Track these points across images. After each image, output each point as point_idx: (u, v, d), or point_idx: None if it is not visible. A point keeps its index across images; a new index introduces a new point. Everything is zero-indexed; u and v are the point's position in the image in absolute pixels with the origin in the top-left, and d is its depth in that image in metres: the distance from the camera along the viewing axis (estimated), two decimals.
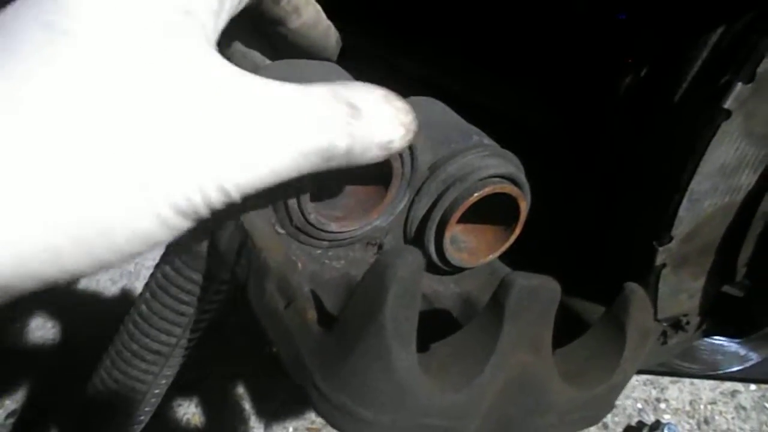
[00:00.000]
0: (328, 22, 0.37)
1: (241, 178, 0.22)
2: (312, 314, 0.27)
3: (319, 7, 0.36)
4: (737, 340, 0.76)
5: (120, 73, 0.21)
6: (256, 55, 0.38)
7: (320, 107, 0.24)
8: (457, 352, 0.29)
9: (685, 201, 0.34)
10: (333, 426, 0.27)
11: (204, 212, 0.22)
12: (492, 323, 0.29)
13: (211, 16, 0.24)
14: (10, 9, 0.22)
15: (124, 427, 0.40)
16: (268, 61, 0.38)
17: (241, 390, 1.06)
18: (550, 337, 0.31)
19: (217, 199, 0.22)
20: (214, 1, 0.25)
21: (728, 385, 1.20)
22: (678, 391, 1.18)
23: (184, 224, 0.22)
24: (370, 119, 0.25)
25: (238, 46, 0.38)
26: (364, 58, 0.41)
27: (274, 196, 0.32)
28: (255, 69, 0.38)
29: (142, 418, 0.41)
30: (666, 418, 1.14)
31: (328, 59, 0.38)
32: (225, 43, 0.38)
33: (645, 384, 1.18)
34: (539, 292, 0.30)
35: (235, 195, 0.23)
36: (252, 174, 0.23)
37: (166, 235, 0.22)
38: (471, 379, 0.28)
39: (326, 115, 0.24)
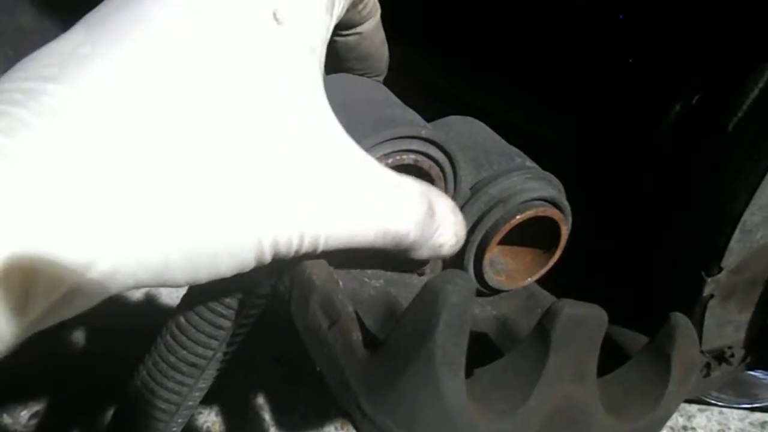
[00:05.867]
0: (384, 36, 0.38)
1: (333, 236, 0.24)
2: (357, 335, 0.27)
3: (380, 20, 0.36)
4: None
5: (251, 113, 0.22)
6: None
7: (412, 201, 0.27)
8: (502, 379, 0.29)
9: (737, 232, 0.33)
10: None
11: (291, 255, 0.24)
12: (537, 351, 0.28)
13: (322, 45, 0.26)
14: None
15: None
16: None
17: (261, 401, 1.06)
18: (595, 367, 0.31)
19: (307, 248, 0.24)
20: (325, 29, 0.26)
21: (758, 416, 1.16)
22: (706, 420, 1.15)
23: (271, 260, 0.24)
24: (439, 223, 0.28)
25: None
26: (400, 76, 0.41)
27: None
28: None
29: (174, 429, 0.41)
30: None
31: (378, 74, 0.39)
32: None
33: None
34: (586, 321, 0.29)
35: (321, 249, 0.25)
36: (342, 237, 0.25)
37: (254, 266, 0.23)
38: (516, 408, 0.27)
39: (415, 209, 0.27)
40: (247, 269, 0.23)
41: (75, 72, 0.20)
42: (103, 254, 0.19)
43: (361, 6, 0.33)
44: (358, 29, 0.35)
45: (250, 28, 0.23)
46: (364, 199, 0.25)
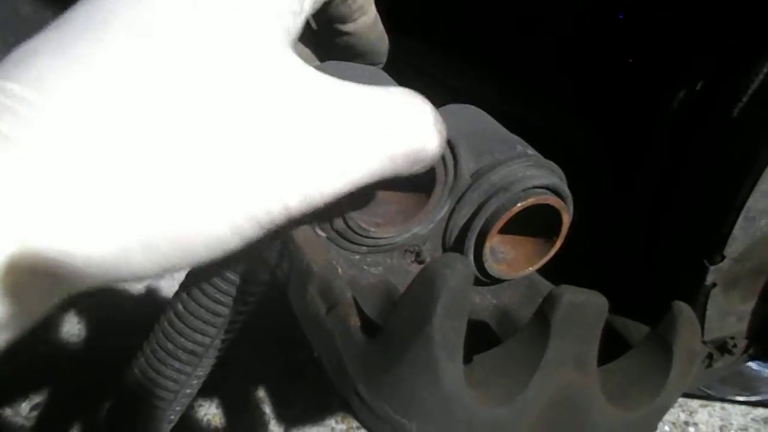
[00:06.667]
0: (382, 26, 0.37)
1: (328, 185, 0.21)
2: (355, 320, 0.27)
3: (376, 11, 0.36)
4: None
5: (205, 73, 0.20)
6: (308, 55, 0.38)
7: (411, 107, 0.24)
8: (501, 365, 0.28)
9: (740, 219, 0.33)
10: None
11: (282, 220, 0.21)
12: (537, 338, 0.28)
13: (292, 17, 0.24)
14: None
15: (155, 426, 0.40)
16: (317, 63, 0.38)
17: (261, 394, 1.06)
18: (596, 355, 0.30)
19: (299, 208, 0.21)
20: (297, 3, 0.24)
21: (760, 412, 1.16)
22: (708, 415, 1.15)
23: (259, 233, 0.21)
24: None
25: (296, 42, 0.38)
26: (397, 65, 0.41)
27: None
28: None
29: (172, 417, 0.41)
30: None
31: (378, 62, 0.38)
32: None
33: (673, 406, 1.15)
34: (586, 308, 0.29)
35: (320, 202, 0.22)
36: (340, 180, 0.22)
37: (240, 244, 0.21)
38: (515, 395, 0.27)
39: (424, 113, 0.24)
40: (231, 247, 0.21)
41: (51, 77, 0.19)
42: (80, 244, 0.19)
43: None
44: (352, 28, 0.34)
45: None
46: (349, 130, 0.22)
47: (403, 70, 0.42)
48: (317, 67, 0.37)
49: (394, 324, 0.25)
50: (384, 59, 0.39)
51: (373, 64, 0.38)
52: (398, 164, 0.23)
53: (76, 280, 0.20)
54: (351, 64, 0.37)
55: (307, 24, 0.35)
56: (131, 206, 0.19)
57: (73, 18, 0.22)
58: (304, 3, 0.25)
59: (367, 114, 0.22)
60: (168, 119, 0.20)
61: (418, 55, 0.66)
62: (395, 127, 0.23)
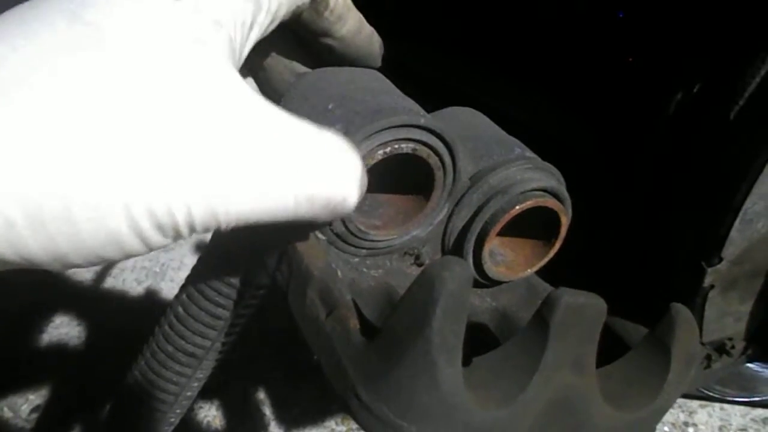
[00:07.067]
0: (371, 29, 0.37)
1: (235, 205, 0.21)
2: (354, 323, 0.27)
3: (360, 15, 0.36)
4: None
5: (134, 72, 0.20)
6: (299, 67, 0.38)
7: (348, 158, 0.24)
8: (500, 368, 0.28)
9: (737, 221, 0.33)
10: None
11: (185, 232, 0.21)
12: (536, 340, 0.28)
13: (240, 29, 0.24)
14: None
15: (155, 428, 0.40)
16: (306, 70, 0.38)
17: (262, 395, 1.06)
18: (595, 357, 0.31)
19: (202, 222, 0.21)
20: (246, 14, 0.24)
21: (760, 412, 1.16)
22: (707, 416, 1.15)
23: (162, 240, 0.21)
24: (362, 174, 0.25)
25: (280, 58, 0.38)
26: (394, 68, 0.41)
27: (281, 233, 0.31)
28: (296, 77, 0.38)
29: (172, 420, 0.41)
30: None
31: (371, 66, 0.38)
32: (267, 54, 0.38)
33: (673, 407, 1.15)
34: (585, 310, 0.29)
35: (224, 223, 0.21)
36: (249, 204, 0.21)
37: (141, 247, 0.21)
38: (514, 397, 0.27)
39: (353, 166, 0.24)
40: (132, 249, 0.21)
41: None
42: None
43: (326, 11, 0.32)
44: (334, 34, 0.34)
45: (144, 6, 0.21)
46: (266, 159, 0.21)
47: (400, 72, 0.42)
48: (303, 74, 0.37)
49: (393, 326, 0.25)
50: (378, 61, 0.39)
51: (368, 67, 0.38)
52: (316, 209, 0.23)
53: None
54: (353, 69, 0.37)
55: (301, 36, 0.35)
56: (13, 160, 0.18)
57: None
58: (257, 16, 0.25)
59: (293, 149, 0.22)
60: (81, 101, 0.19)
61: (416, 57, 0.66)
62: (319, 171, 0.23)
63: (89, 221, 0.19)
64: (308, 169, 0.22)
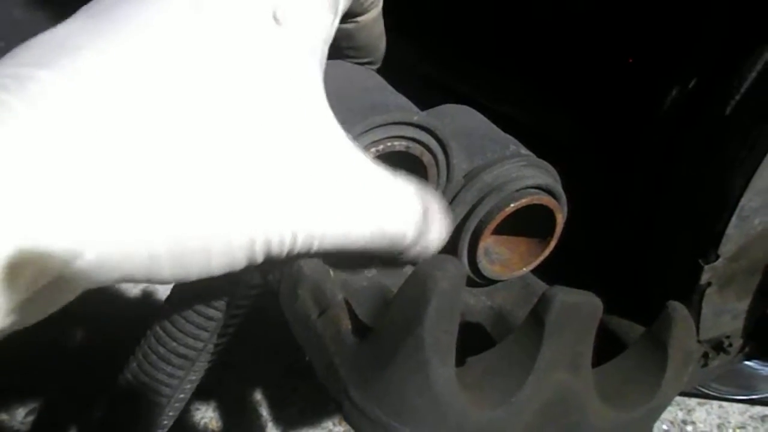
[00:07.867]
0: (383, 27, 0.37)
1: (327, 236, 0.24)
2: (346, 323, 0.27)
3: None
4: None
5: (256, 114, 0.22)
6: None
7: (409, 201, 0.27)
8: (495, 367, 0.28)
9: (734, 218, 0.33)
10: None
11: (283, 255, 0.23)
12: (531, 339, 0.28)
13: (323, 45, 0.26)
14: None
15: (149, 430, 0.40)
16: None
17: (258, 396, 1.06)
18: (590, 356, 0.30)
19: (300, 248, 0.23)
20: (331, 31, 0.26)
21: (758, 410, 1.16)
22: (705, 414, 1.15)
23: (262, 260, 0.23)
24: (432, 224, 0.28)
25: None
26: (396, 68, 0.41)
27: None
28: None
29: (165, 422, 0.40)
30: None
31: (373, 63, 0.38)
32: None
33: (671, 405, 1.15)
34: (581, 309, 0.29)
35: (315, 249, 0.24)
36: (337, 237, 0.24)
37: (245, 266, 0.23)
38: (509, 397, 0.27)
39: (412, 209, 0.26)
40: (238, 269, 0.23)
41: (65, 60, 0.20)
42: (88, 244, 0.19)
43: None
44: (358, 18, 0.34)
45: (248, 30, 0.23)
46: (361, 199, 0.25)
47: (397, 70, 0.42)
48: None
49: (385, 326, 0.25)
50: (381, 57, 0.38)
51: (370, 59, 0.38)
52: (383, 243, 0.26)
53: (86, 281, 0.19)
54: (349, 66, 0.36)
55: None
56: (160, 202, 0.20)
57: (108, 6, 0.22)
58: (334, 24, 0.26)
59: (377, 192, 0.25)
60: (203, 140, 0.21)
61: (412, 55, 0.65)
62: (392, 212, 0.26)
63: (222, 255, 0.21)
64: (385, 209, 0.26)
